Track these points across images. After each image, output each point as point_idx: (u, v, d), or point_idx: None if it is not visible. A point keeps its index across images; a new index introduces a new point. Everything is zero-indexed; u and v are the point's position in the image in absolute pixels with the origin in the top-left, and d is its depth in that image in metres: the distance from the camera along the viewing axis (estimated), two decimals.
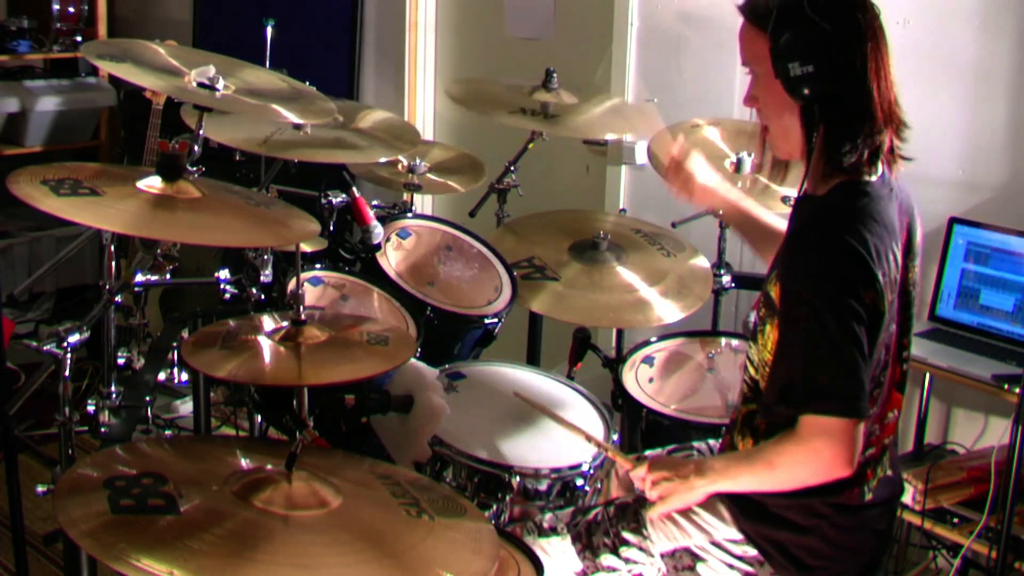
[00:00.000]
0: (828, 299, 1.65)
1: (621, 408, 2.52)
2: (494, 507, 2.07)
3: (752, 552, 1.83)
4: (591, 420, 2.31)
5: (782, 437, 1.71)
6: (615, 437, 2.26)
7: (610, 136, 3.52)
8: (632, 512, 1.94)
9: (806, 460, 1.69)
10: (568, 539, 1.96)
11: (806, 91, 1.71)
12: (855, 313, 1.63)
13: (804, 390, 1.67)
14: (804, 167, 1.80)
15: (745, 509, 1.83)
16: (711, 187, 2.16)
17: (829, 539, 1.79)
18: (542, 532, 1.98)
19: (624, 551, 1.91)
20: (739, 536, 1.84)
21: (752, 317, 2.46)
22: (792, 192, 2.68)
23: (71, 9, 4.70)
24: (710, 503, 1.88)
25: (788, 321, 1.71)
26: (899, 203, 1.79)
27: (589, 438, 2.08)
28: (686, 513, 1.89)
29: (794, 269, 1.71)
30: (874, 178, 1.75)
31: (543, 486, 2.09)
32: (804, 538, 1.79)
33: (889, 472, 1.85)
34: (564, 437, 2.22)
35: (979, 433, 2.99)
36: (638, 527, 1.92)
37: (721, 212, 2.37)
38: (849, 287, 1.65)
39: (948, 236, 2.87)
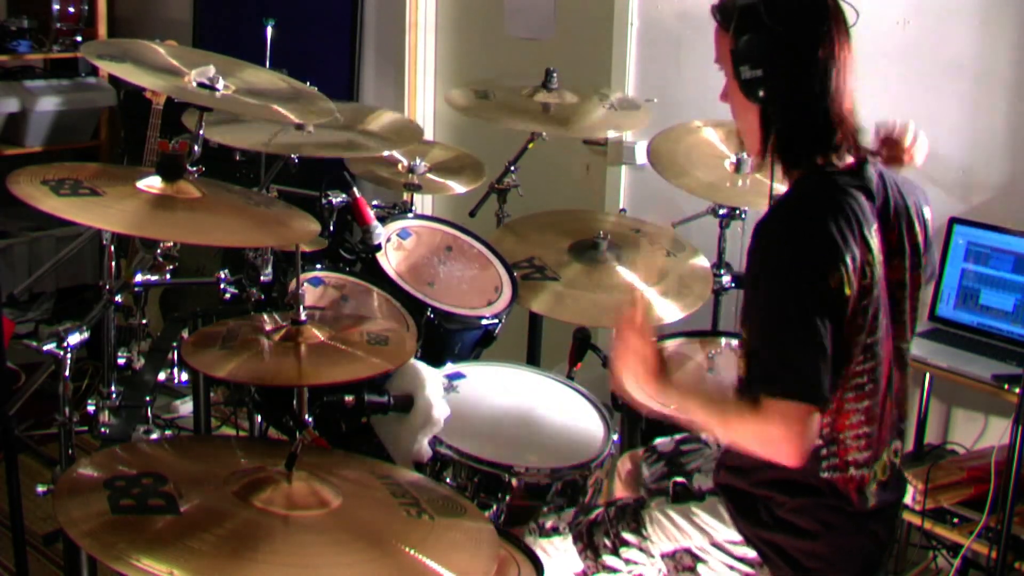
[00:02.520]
0: (788, 284, 1.66)
1: (621, 408, 2.52)
2: (494, 507, 2.07)
3: (752, 554, 1.83)
4: (591, 420, 2.32)
5: (747, 405, 1.70)
6: (615, 437, 2.26)
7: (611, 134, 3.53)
8: (632, 512, 1.94)
9: (757, 436, 1.67)
10: (569, 539, 1.96)
11: (760, 93, 1.74)
12: (816, 298, 1.64)
13: (762, 372, 1.68)
14: (768, 167, 1.81)
15: (743, 511, 1.83)
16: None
17: (828, 542, 1.79)
18: (544, 532, 1.98)
19: (624, 552, 1.91)
20: (739, 538, 1.84)
21: None
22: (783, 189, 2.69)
23: (71, 9, 4.70)
24: (710, 505, 1.88)
25: (751, 306, 1.73)
26: (881, 198, 1.78)
27: None
28: (685, 514, 1.89)
29: (757, 254, 1.72)
30: (838, 167, 1.76)
31: (543, 486, 2.09)
32: (802, 541, 1.79)
33: (885, 476, 1.84)
34: (564, 437, 2.22)
35: (979, 433, 2.99)
36: (638, 527, 1.92)
37: None
38: (810, 271, 1.65)
39: (948, 236, 2.86)
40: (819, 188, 1.74)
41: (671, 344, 2.69)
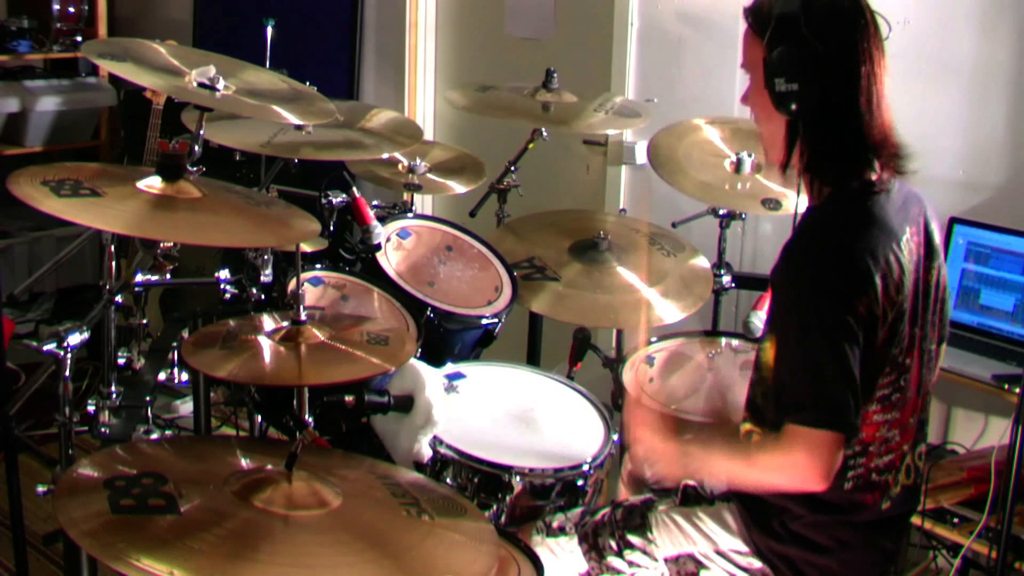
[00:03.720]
0: (816, 311, 1.64)
1: (621, 408, 2.52)
2: (494, 507, 2.07)
3: (757, 564, 1.82)
4: (591, 420, 2.32)
5: (766, 440, 1.71)
6: (615, 437, 2.26)
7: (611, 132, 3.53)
8: (638, 515, 1.94)
9: (783, 467, 1.67)
10: (575, 540, 1.96)
11: (792, 107, 1.70)
12: (843, 326, 1.62)
13: (788, 399, 1.67)
14: (798, 178, 1.79)
15: (757, 521, 1.82)
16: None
17: (840, 558, 1.78)
18: (551, 532, 1.98)
19: (629, 554, 1.91)
20: (744, 548, 1.83)
21: (752, 318, 2.47)
22: (782, 189, 2.69)
23: (71, 9, 4.70)
24: (716, 512, 1.87)
25: (778, 332, 1.71)
26: (903, 203, 1.77)
27: None
28: (691, 519, 1.89)
29: (785, 278, 1.70)
30: (871, 181, 1.75)
31: (542, 486, 2.09)
32: (815, 556, 1.78)
33: (910, 480, 1.84)
34: (564, 437, 2.22)
35: (979, 433, 2.99)
36: (643, 530, 1.91)
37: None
38: (839, 298, 1.63)
39: (948, 236, 2.86)
40: (850, 205, 1.72)
41: (671, 344, 2.69)
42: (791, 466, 1.65)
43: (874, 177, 1.73)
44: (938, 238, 1.84)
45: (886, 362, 1.70)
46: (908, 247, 1.73)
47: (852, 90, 1.69)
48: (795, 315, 1.67)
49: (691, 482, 1.96)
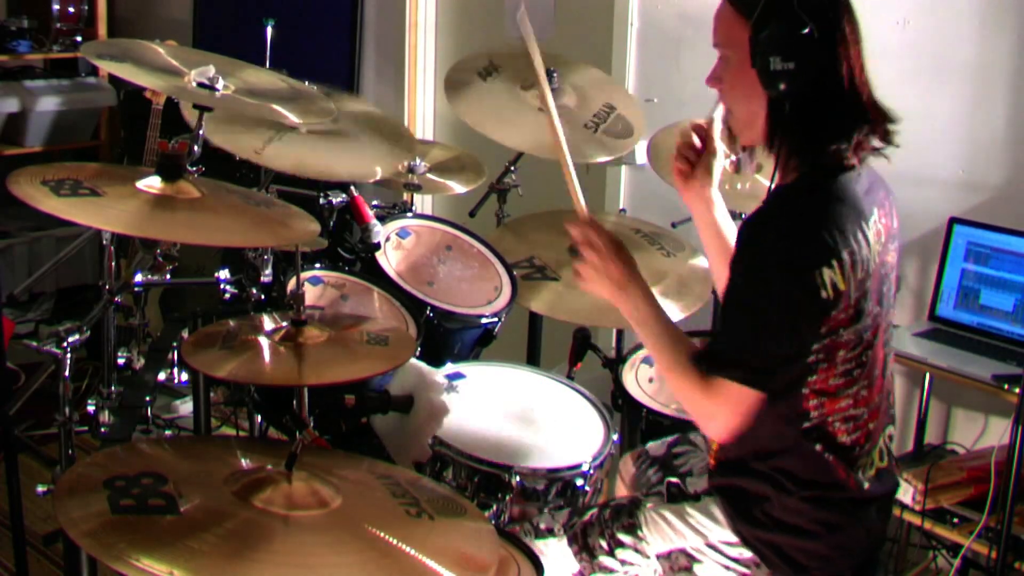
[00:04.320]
0: (771, 277, 1.66)
1: (621, 408, 2.52)
2: (494, 507, 2.07)
3: (748, 554, 1.82)
4: (591, 420, 2.32)
5: (696, 371, 1.73)
6: (615, 437, 2.26)
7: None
8: (627, 512, 1.94)
9: (695, 404, 1.74)
10: (564, 540, 1.96)
11: (782, 86, 1.70)
12: (799, 292, 1.65)
13: (723, 352, 1.72)
14: (773, 158, 1.80)
15: (740, 512, 1.83)
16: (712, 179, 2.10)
17: (827, 542, 1.79)
18: (539, 533, 1.98)
19: (620, 552, 1.91)
20: (734, 538, 1.84)
21: None
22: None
23: (71, 9, 4.70)
24: (703, 506, 1.88)
25: (730, 286, 1.74)
26: (870, 185, 1.78)
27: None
28: (680, 515, 1.89)
29: (750, 239, 1.72)
30: (845, 159, 1.75)
31: (542, 486, 2.09)
32: (802, 541, 1.79)
33: (884, 463, 1.85)
34: (564, 437, 2.22)
35: (979, 433, 2.99)
36: (633, 528, 1.92)
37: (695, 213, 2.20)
38: (795, 269, 1.65)
39: (948, 236, 2.87)
40: (823, 182, 1.73)
41: None
42: (704, 409, 1.74)
43: (848, 158, 1.74)
44: (895, 222, 1.85)
45: (851, 335, 1.72)
46: (875, 228, 1.74)
47: (839, 66, 1.71)
48: (748, 272, 1.70)
49: (674, 479, 2.00)
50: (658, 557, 1.90)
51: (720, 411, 1.71)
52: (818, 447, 1.76)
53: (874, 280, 1.74)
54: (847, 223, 1.68)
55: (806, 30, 1.67)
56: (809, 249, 1.66)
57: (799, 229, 1.68)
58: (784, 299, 1.66)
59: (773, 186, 1.81)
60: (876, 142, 1.77)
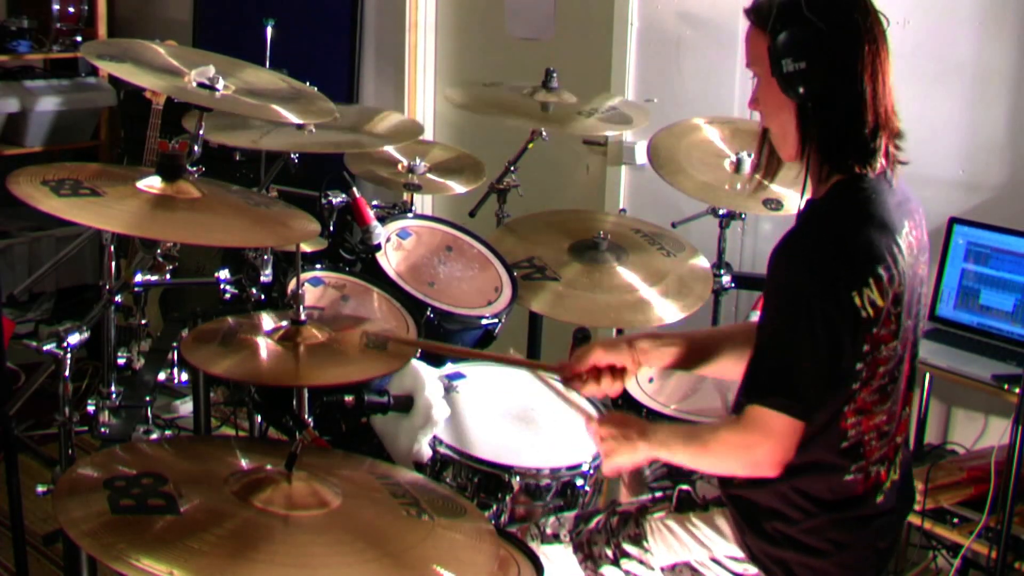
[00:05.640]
0: (807, 297, 1.64)
1: (621, 408, 2.51)
2: (494, 507, 2.07)
3: (753, 570, 1.81)
4: None
5: (724, 422, 1.72)
6: None
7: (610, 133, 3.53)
8: (634, 521, 1.93)
9: (739, 450, 1.69)
10: (570, 548, 1.95)
11: (800, 89, 1.70)
12: (830, 317, 1.62)
13: (761, 382, 1.68)
14: (803, 171, 1.79)
15: (752, 525, 1.81)
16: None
17: (836, 561, 1.78)
18: (545, 538, 1.98)
19: (625, 563, 1.91)
20: (739, 554, 1.82)
21: (752, 318, 2.47)
22: (780, 190, 2.69)
23: (71, 9, 4.70)
24: (709, 517, 1.87)
25: (765, 312, 1.72)
26: (900, 199, 1.78)
27: (544, 379, 2.06)
28: (686, 526, 1.88)
29: (784, 263, 1.70)
30: (872, 175, 1.75)
31: (542, 486, 2.09)
32: (811, 559, 1.77)
33: (897, 476, 1.83)
34: (564, 437, 2.22)
35: (979, 433, 2.99)
36: (639, 538, 1.91)
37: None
38: (832, 288, 1.64)
39: (948, 236, 2.87)
40: (854, 196, 1.72)
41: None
42: (746, 450, 1.68)
43: (880, 166, 1.74)
44: (925, 234, 1.85)
45: (887, 351, 1.71)
46: (907, 241, 1.74)
47: (856, 66, 1.71)
48: (784, 298, 1.68)
49: (686, 487, 1.95)
50: (662, 570, 1.89)
51: (757, 440, 1.66)
52: (853, 467, 1.74)
53: (907, 292, 1.73)
54: (881, 238, 1.67)
55: (815, 30, 1.68)
56: (845, 271, 1.65)
57: (833, 252, 1.66)
58: (825, 323, 1.63)
59: (804, 201, 1.80)
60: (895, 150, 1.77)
